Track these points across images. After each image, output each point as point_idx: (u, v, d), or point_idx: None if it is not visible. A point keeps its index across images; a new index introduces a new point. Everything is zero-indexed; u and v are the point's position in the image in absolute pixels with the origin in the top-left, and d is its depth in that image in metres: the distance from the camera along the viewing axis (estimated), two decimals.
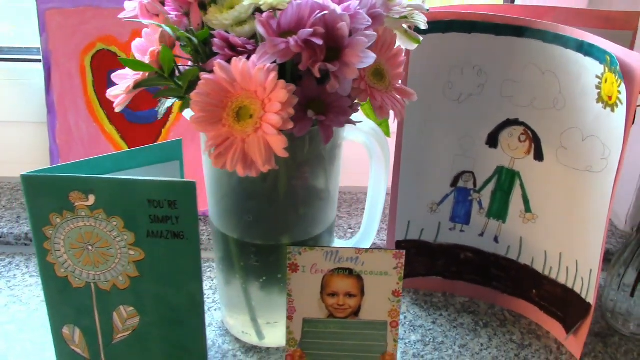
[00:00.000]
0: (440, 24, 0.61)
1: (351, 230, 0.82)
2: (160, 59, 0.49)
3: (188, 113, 0.60)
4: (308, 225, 0.60)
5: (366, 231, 0.63)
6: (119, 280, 0.55)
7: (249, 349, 0.65)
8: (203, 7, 0.52)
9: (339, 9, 0.47)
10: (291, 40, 0.45)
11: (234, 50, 0.48)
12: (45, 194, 0.52)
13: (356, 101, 0.52)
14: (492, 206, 0.67)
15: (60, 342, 0.58)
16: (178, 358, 0.58)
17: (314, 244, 0.61)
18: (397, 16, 0.54)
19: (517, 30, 0.59)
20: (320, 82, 0.49)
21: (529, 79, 0.60)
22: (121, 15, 0.55)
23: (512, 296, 0.70)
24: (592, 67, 0.55)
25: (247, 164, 0.47)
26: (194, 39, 0.49)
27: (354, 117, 0.53)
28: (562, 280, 0.65)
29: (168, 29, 0.50)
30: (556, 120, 0.60)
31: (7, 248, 0.79)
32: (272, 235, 0.59)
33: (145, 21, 0.51)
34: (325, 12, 0.46)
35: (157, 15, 0.54)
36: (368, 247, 0.63)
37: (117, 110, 0.53)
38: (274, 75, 0.45)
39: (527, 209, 0.65)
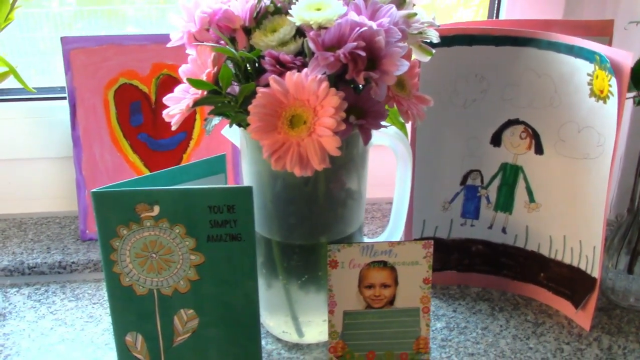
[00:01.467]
0: (445, 39, 0.68)
1: (365, 236, 0.88)
2: (219, 77, 0.55)
3: (227, 132, 0.66)
4: (344, 225, 0.66)
5: (394, 227, 0.69)
6: (180, 285, 0.60)
7: (291, 347, 0.70)
8: (247, 32, 0.58)
9: (374, 25, 0.54)
10: (340, 52, 0.52)
11: (283, 66, 0.55)
12: (113, 207, 0.57)
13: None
14: (499, 200, 0.75)
15: (123, 350, 0.62)
16: (235, 356, 0.63)
17: (349, 241, 0.67)
18: (415, 32, 0.61)
19: (514, 40, 0.67)
20: (355, 91, 0.56)
21: (527, 83, 0.68)
22: (170, 44, 0.61)
23: (522, 282, 0.77)
24: (583, 67, 0.63)
25: (304, 164, 0.53)
26: (250, 57, 0.55)
27: None
28: (567, 260, 0.72)
29: (232, 49, 0.56)
30: (553, 117, 0.68)
31: (41, 277, 0.82)
32: (312, 236, 0.65)
33: (207, 44, 0.56)
34: (365, 28, 0.53)
35: (207, 40, 0.60)
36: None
37: (173, 128, 0.58)
38: (325, 84, 0.52)
39: (531, 199, 0.73)
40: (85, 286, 0.80)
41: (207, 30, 0.60)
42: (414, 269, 0.66)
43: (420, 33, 0.63)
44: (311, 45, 0.52)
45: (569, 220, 0.71)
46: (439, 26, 0.64)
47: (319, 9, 0.54)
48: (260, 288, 0.70)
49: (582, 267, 0.71)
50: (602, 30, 0.70)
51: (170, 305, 0.61)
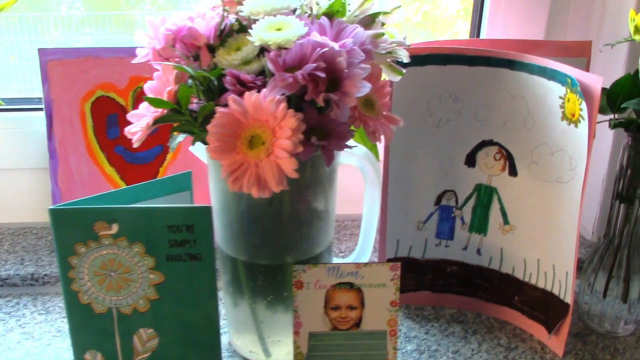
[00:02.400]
0: (418, 58, 0.68)
1: (342, 254, 0.87)
2: (178, 96, 0.54)
3: (194, 149, 0.65)
4: (311, 245, 0.65)
5: (362, 248, 0.68)
6: (139, 304, 0.59)
7: None
8: (211, 50, 0.58)
9: (336, 46, 0.53)
10: (298, 74, 0.51)
11: (244, 86, 0.54)
12: (71, 225, 0.56)
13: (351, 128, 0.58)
14: (474, 221, 0.74)
15: None
16: None
17: (316, 262, 0.66)
18: (384, 51, 0.61)
19: (487, 61, 0.66)
20: (319, 111, 0.56)
21: (501, 103, 0.67)
22: (135, 61, 0.60)
23: (497, 304, 0.76)
24: (555, 89, 0.62)
25: (261, 186, 0.53)
26: (209, 77, 0.55)
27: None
28: (541, 284, 0.71)
29: (189, 69, 0.55)
30: (527, 138, 0.67)
31: (13, 289, 0.81)
32: (278, 256, 0.64)
33: (167, 63, 0.56)
34: (325, 49, 0.52)
35: (169, 59, 0.59)
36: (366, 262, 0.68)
37: (135, 145, 0.57)
38: (283, 105, 0.51)
39: (506, 221, 0.72)
40: (57, 299, 0.80)
41: (173, 47, 0.59)
42: (381, 291, 0.65)
43: (390, 53, 0.62)
44: (270, 66, 0.52)
45: (542, 243, 0.69)
46: (409, 46, 0.63)
47: (279, 29, 0.53)
48: (227, 306, 0.70)
49: (556, 292, 0.69)
50: (581, 52, 0.69)
51: (129, 324, 0.60)
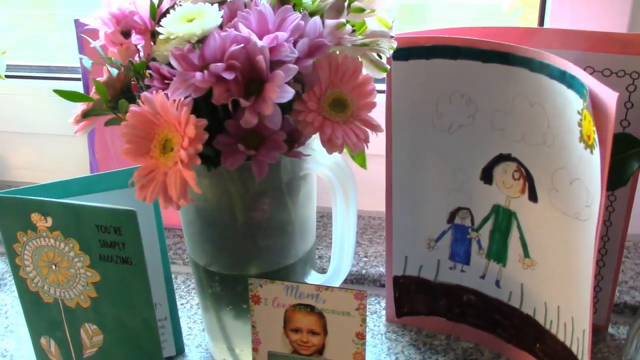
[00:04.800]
0: (422, 50, 0.56)
1: (366, 258, 0.79)
2: (96, 90, 0.50)
3: None
4: (275, 257, 0.58)
5: (336, 270, 0.60)
6: (81, 299, 0.57)
7: None
8: (154, 37, 0.52)
9: (259, 42, 0.45)
10: (198, 74, 0.44)
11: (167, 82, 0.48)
12: (11, 213, 0.55)
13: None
14: (491, 247, 0.61)
15: (39, 351, 0.61)
16: None
17: (285, 275, 0.59)
18: (350, 44, 0.51)
19: (504, 57, 0.53)
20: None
21: (518, 111, 0.54)
22: (92, 45, 0.56)
23: (517, 347, 0.63)
24: (574, 101, 0.48)
25: (167, 198, 0.47)
26: (132, 70, 0.50)
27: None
28: (561, 336, 0.57)
29: (114, 62, 0.51)
30: (547, 158, 0.53)
31: None
32: (234, 265, 0.58)
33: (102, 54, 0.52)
34: (242, 45, 0.44)
35: (122, 45, 0.55)
36: (337, 285, 0.60)
37: (79, 135, 0.54)
38: (185, 110, 0.44)
39: (526, 254, 0.58)
40: None
41: (128, 32, 0.54)
42: (345, 319, 0.56)
43: (366, 45, 0.52)
44: (173, 63, 0.45)
45: (563, 289, 0.55)
46: (392, 37, 0.52)
47: (191, 20, 0.46)
48: (201, 310, 0.66)
49: (574, 349, 0.56)
50: None
51: (75, 318, 0.58)
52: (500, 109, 0.55)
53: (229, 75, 0.44)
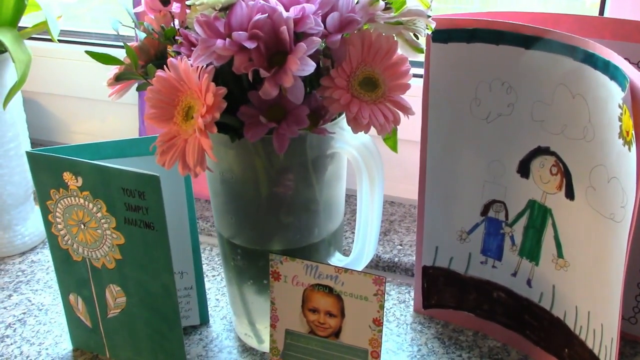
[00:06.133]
0: (463, 32, 0.54)
1: (400, 246, 0.77)
2: (127, 54, 0.50)
3: None
4: (297, 234, 0.57)
5: (359, 255, 0.58)
6: (107, 260, 0.58)
7: (246, 349, 0.64)
8: None
9: (284, 12, 0.44)
10: (219, 41, 0.43)
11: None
12: (45, 171, 0.57)
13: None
14: (525, 244, 0.59)
15: (68, 307, 0.63)
16: (159, 344, 0.60)
17: (308, 253, 0.58)
18: (383, 22, 0.49)
19: (547, 44, 0.50)
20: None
21: (560, 103, 0.51)
22: (135, 10, 0.57)
23: (545, 351, 0.60)
24: (616, 94, 0.45)
25: (185, 165, 0.47)
26: (162, 36, 0.50)
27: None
28: (589, 343, 0.54)
29: (146, 26, 0.51)
30: (586, 154, 0.50)
31: None
32: (256, 240, 0.58)
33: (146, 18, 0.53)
34: (267, 14, 0.44)
35: (160, 12, 0.55)
36: (360, 269, 0.59)
37: (113, 99, 0.55)
38: (206, 77, 0.44)
39: (560, 253, 0.56)
40: None
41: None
42: (363, 304, 0.55)
43: (400, 23, 0.50)
44: (198, 30, 0.45)
45: (594, 294, 0.52)
46: (429, 17, 0.50)
47: None
48: (225, 282, 0.66)
49: (602, 358, 0.53)
50: None
51: (101, 278, 0.60)
52: (541, 99, 0.52)
53: (250, 44, 0.43)
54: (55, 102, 1.01)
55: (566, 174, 0.53)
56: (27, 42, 0.71)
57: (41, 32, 0.75)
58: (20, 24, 0.74)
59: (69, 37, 0.98)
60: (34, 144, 0.98)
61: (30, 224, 0.81)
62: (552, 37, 0.50)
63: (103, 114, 0.98)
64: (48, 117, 1.02)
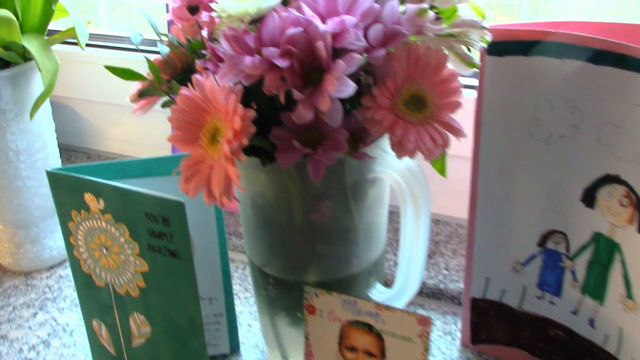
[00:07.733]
0: (522, 45, 0.48)
1: (446, 271, 0.71)
2: (150, 69, 0.46)
3: None
4: (334, 265, 0.52)
5: (401, 289, 0.53)
6: (130, 287, 0.54)
7: None
8: None
9: (321, 26, 0.39)
10: (247, 59, 0.39)
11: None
12: (66, 190, 0.53)
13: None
14: (588, 280, 0.52)
15: (91, 333, 0.60)
16: None
17: (346, 285, 0.53)
18: (432, 34, 0.44)
19: (620, 60, 0.44)
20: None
21: (634, 126, 0.45)
22: (162, 19, 0.53)
23: None
24: None
25: (210, 194, 0.42)
26: (188, 49, 0.46)
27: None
28: None
29: (171, 39, 0.47)
30: None
31: None
32: (290, 270, 0.53)
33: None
34: (302, 28, 0.39)
35: (188, 21, 0.51)
36: (402, 306, 0.53)
37: (137, 115, 0.51)
38: (233, 98, 0.40)
39: (629, 294, 0.49)
40: None
41: (195, 8, 0.51)
42: (406, 345, 0.50)
43: (452, 35, 0.45)
44: (224, 46, 0.40)
45: None
46: (484, 28, 0.44)
47: None
48: (257, 310, 0.61)
49: None
50: None
51: (124, 305, 0.56)
52: (611, 121, 0.46)
53: (282, 63, 0.38)
54: (88, 108, 0.99)
55: (639, 207, 0.47)
56: (60, 47, 0.68)
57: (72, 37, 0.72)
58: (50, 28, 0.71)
59: (99, 42, 0.96)
60: (67, 150, 0.96)
61: (59, 237, 0.79)
62: (627, 53, 0.44)
63: (137, 119, 0.95)
64: (81, 123, 1.00)
